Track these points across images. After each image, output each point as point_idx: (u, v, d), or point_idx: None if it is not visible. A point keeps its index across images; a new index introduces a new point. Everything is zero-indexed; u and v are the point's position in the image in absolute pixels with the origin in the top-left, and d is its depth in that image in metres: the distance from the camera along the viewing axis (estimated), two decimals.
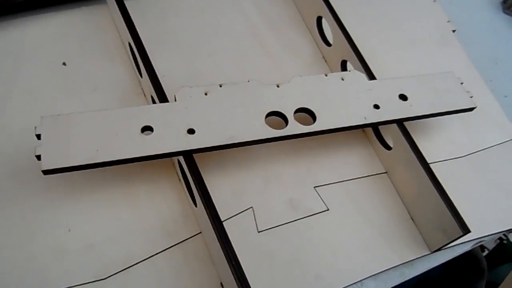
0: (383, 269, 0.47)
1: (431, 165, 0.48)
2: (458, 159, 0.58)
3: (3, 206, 0.42)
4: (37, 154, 0.38)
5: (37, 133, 0.39)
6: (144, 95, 0.52)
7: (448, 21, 0.73)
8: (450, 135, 0.59)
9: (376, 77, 0.54)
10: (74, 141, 0.39)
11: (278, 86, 0.48)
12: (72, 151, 0.39)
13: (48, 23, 0.56)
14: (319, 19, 0.62)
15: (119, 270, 0.41)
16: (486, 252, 0.81)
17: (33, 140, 0.40)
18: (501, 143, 0.61)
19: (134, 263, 0.42)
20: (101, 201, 0.44)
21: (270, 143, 0.46)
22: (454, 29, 0.72)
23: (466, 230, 0.43)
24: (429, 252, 0.48)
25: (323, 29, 0.62)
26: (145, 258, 0.42)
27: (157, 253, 0.43)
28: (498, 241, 0.76)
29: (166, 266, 0.42)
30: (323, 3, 0.58)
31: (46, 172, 0.38)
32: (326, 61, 0.62)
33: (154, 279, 0.41)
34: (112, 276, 0.41)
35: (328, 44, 0.61)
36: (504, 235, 0.63)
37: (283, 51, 0.62)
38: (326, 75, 0.50)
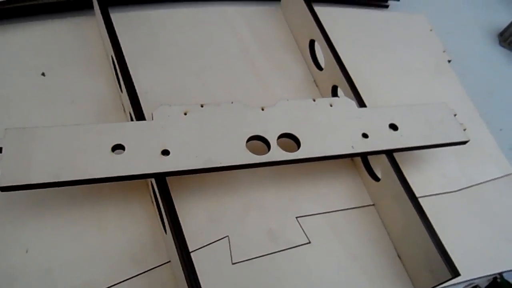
0: None
1: (421, 199, 0.46)
2: (450, 193, 0.55)
3: None
4: None
5: None
6: (124, 111, 0.50)
7: (444, 51, 0.71)
8: (443, 168, 0.57)
9: (368, 105, 0.52)
10: (38, 157, 0.36)
11: (262, 109, 0.46)
12: (33, 168, 0.36)
13: (32, 32, 0.54)
14: (311, 42, 0.60)
15: None
16: None
17: None
18: (495, 178, 0.59)
19: None
20: (66, 221, 0.41)
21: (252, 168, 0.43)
22: (449, 59, 0.71)
23: (455, 272, 0.40)
24: None
25: (315, 52, 0.61)
26: (107, 286, 0.39)
27: (121, 282, 0.39)
28: (492, 279, 0.73)
29: None
30: (316, 26, 0.57)
31: (3, 189, 0.35)
32: (317, 86, 0.61)
33: None
34: None
35: (319, 68, 0.59)
36: (499, 274, 0.60)
37: (273, 72, 0.60)
38: (314, 100, 0.48)
